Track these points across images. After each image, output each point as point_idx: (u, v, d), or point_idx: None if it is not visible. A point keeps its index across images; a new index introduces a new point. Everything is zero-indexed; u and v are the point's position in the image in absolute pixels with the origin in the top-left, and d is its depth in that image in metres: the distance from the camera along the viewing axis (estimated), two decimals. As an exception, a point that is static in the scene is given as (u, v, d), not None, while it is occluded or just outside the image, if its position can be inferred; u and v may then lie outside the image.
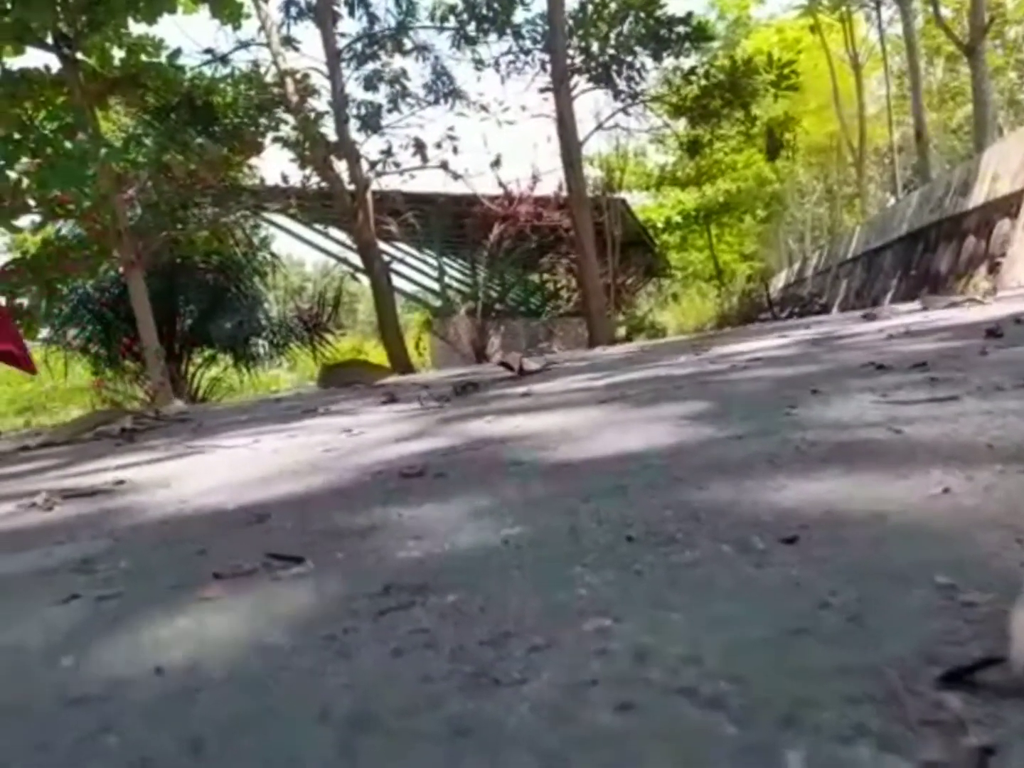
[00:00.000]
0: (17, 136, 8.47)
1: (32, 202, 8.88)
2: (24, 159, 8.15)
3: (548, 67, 10.65)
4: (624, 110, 11.49)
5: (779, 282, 22.04)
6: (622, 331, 14.46)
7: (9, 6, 7.86)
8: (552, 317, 14.10)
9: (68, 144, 7.82)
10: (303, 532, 1.03)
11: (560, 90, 10.31)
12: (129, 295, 9.40)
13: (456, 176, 11.41)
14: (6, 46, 8.48)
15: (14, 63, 8.80)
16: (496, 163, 11.92)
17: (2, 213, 8.93)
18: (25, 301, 9.91)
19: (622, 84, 11.41)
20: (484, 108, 11.30)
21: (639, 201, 21.10)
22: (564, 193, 11.45)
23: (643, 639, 0.60)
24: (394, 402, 2.57)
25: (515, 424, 1.66)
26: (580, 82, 11.03)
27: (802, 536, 0.77)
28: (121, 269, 9.79)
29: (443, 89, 10.93)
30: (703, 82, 11.42)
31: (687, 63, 11.99)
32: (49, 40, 8.27)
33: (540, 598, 0.71)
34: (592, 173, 14.83)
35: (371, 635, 0.68)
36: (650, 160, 20.54)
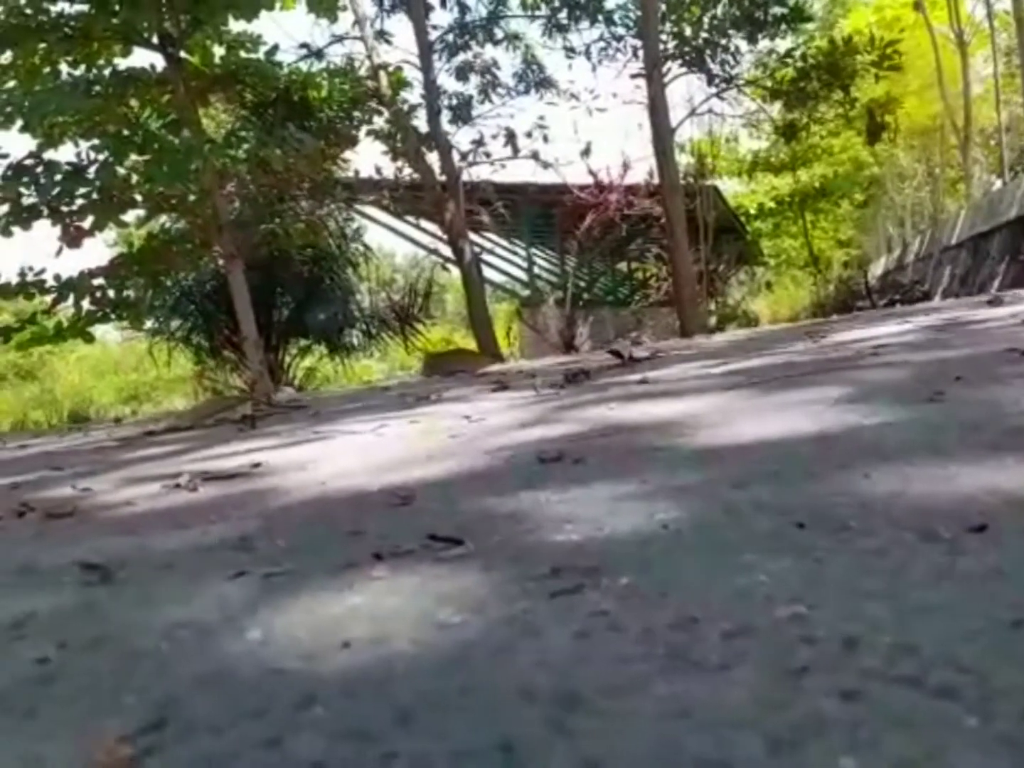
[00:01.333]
0: (125, 133, 8.79)
1: (139, 197, 9.22)
2: (132, 156, 8.44)
3: (640, 53, 10.53)
4: (718, 95, 11.28)
5: (877, 269, 21.37)
6: (712, 320, 14.23)
7: (117, 8, 8.16)
8: (641, 306, 13.96)
9: (173, 140, 8.07)
10: (452, 514, 1.04)
11: (652, 76, 10.17)
12: (229, 287, 9.67)
13: (546, 165, 11.38)
14: (114, 47, 8.81)
15: (121, 63, 9.14)
16: (586, 152, 11.84)
17: (111, 208, 9.28)
18: (131, 293, 10.30)
19: (716, 68, 11.20)
20: (574, 96, 11.24)
21: (731, 188, 20.71)
22: (655, 181, 11.32)
23: (846, 627, 0.58)
24: (505, 389, 2.58)
25: (642, 411, 1.64)
26: (673, 68, 10.88)
27: (991, 525, 0.74)
28: (222, 262, 10.08)
29: (534, 78, 10.91)
30: (800, 64, 11.13)
31: (783, 45, 11.70)
32: (154, 40, 8.55)
33: (719, 583, 0.70)
34: (683, 160, 14.61)
35: (550, 616, 0.68)
36: (742, 145, 20.14)
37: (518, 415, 1.85)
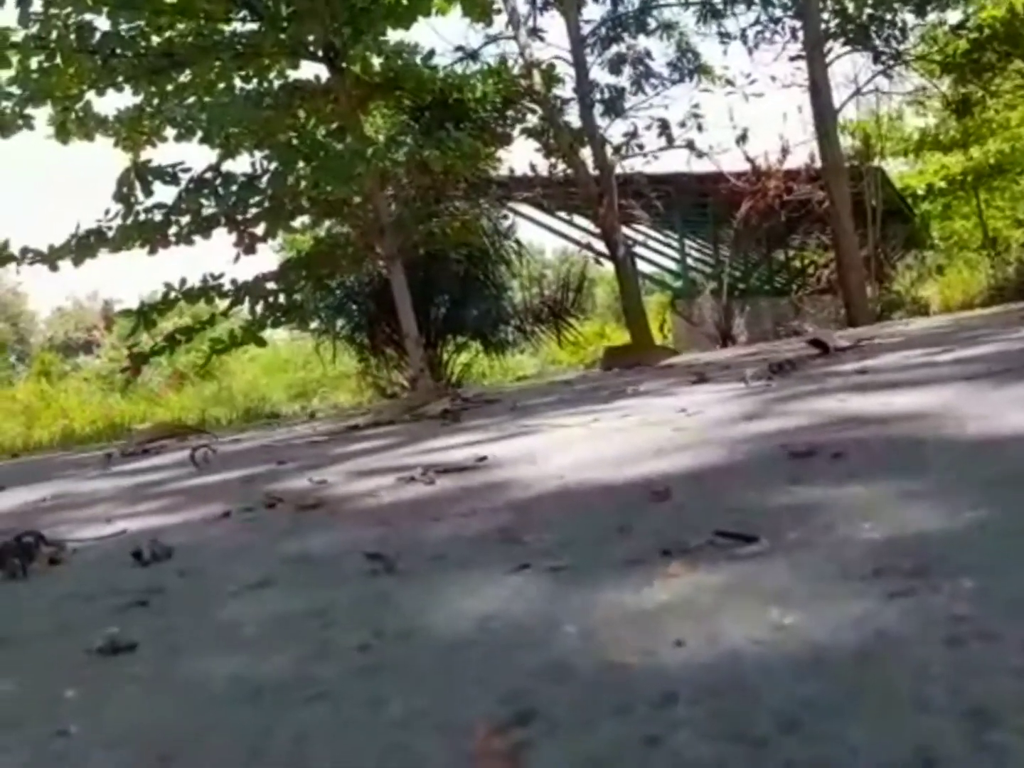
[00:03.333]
0: (294, 142, 9.19)
1: (306, 203, 9.62)
2: (300, 164, 8.81)
3: (800, 34, 10.17)
4: (884, 72, 10.76)
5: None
6: (877, 308, 13.57)
7: (285, 24, 8.53)
8: (801, 295, 13.48)
9: (338, 147, 8.38)
10: (722, 510, 1.01)
11: (813, 56, 9.81)
12: (390, 287, 9.95)
13: (701, 154, 11.17)
14: (282, 61, 9.23)
15: (289, 76, 9.56)
16: (742, 138, 11.55)
17: (281, 215, 9.73)
18: (299, 297, 10.76)
19: (881, 45, 10.68)
20: (730, 83, 10.99)
21: (895, 168, 19.68)
22: (817, 164, 10.90)
23: None
24: (706, 382, 2.53)
25: (881, 402, 1.56)
26: (835, 47, 10.44)
27: None
28: (382, 263, 10.40)
29: (688, 66, 10.73)
30: (974, 35, 10.46)
31: (952, 16, 11.04)
32: (319, 52, 8.90)
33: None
34: (846, 141, 14.00)
35: (902, 620, 0.64)
36: (907, 124, 19.10)
37: (737, 407, 1.80)
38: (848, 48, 10.46)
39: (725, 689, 0.57)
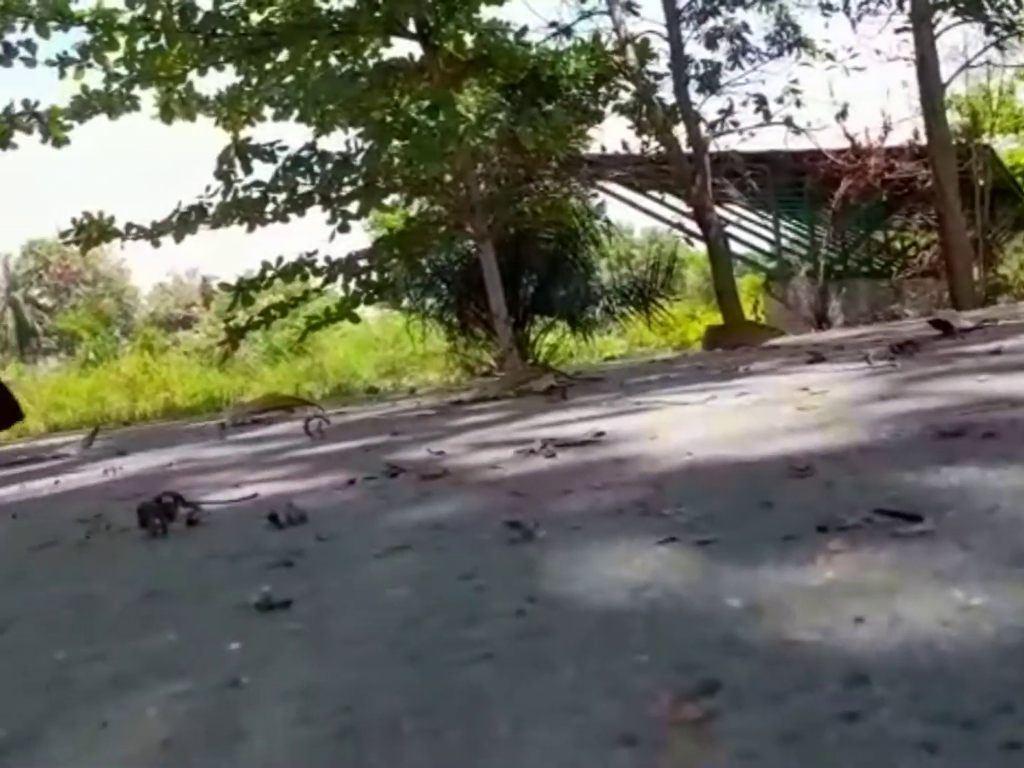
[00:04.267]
0: (388, 120, 9.27)
1: (399, 182, 9.71)
2: (394, 142, 8.88)
3: (907, 4, 9.77)
4: (996, 44, 10.27)
5: None
6: (981, 292, 13.02)
7: (380, 2, 8.59)
8: (901, 278, 13.03)
9: (431, 124, 8.40)
10: (873, 488, 0.98)
11: (920, 28, 9.42)
12: (479, 267, 9.99)
13: (798, 131, 10.87)
14: (377, 39, 9.31)
15: (383, 54, 9.64)
16: (842, 114, 11.18)
17: (374, 193, 9.85)
18: (391, 275, 10.89)
19: (994, 15, 10.19)
20: (830, 56, 10.64)
21: (1005, 146, 18.80)
22: (921, 141, 10.49)
23: None
24: (822, 361, 2.47)
25: (1025, 383, 1.50)
26: (943, 17, 10.00)
27: None
28: (473, 242, 10.43)
29: (787, 40, 10.42)
30: (1097, 2, 9.90)
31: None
32: (412, 30, 8.94)
33: None
34: (952, 118, 13.43)
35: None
36: (1019, 99, 18.22)
37: (866, 387, 1.74)
38: (958, 19, 10.01)
39: (921, 669, 0.55)
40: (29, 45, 7.88)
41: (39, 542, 1.36)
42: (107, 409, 12.45)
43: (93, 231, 8.85)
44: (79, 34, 7.92)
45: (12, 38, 7.74)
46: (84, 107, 8.53)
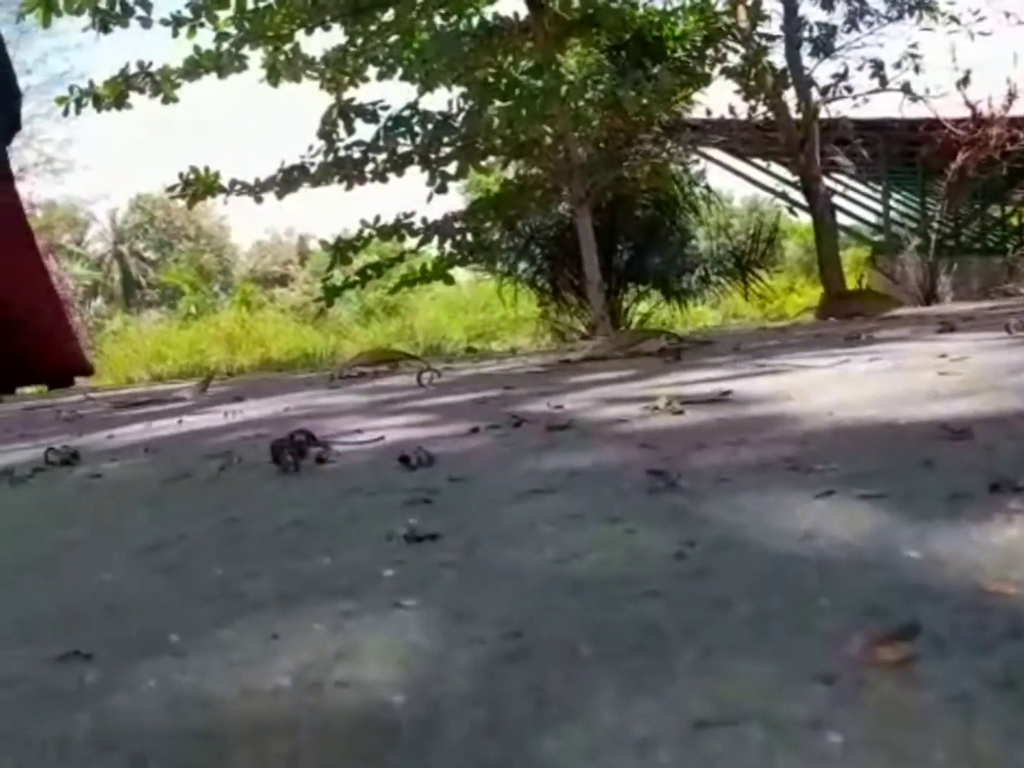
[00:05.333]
0: (490, 81, 9.22)
1: (498, 143, 9.67)
2: (496, 102, 8.83)
3: (1041, -37, 9.20)
4: None
5: None
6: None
7: (486, -41, 8.49)
8: (1018, 255, 12.42)
9: (535, 85, 8.32)
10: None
11: (1056, -11, 8.86)
12: (574, 231, 9.90)
13: (915, 98, 10.38)
14: (483, -2, 9.24)
15: (488, 12, 9.57)
16: (964, 81, 10.63)
17: (474, 155, 9.84)
18: (487, 237, 10.90)
19: None
20: (955, 19, 10.10)
21: None
22: (1050, 111, 9.92)
23: None
24: (953, 331, 2.37)
25: None
26: (1081, -23, 9.40)
27: None
28: (569, 206, 10.34)
29: (908, 2, 9.93)
30: None
31: None
32: (519, -12, 8.85)
33: None
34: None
35: None
36: None
37: (1010, 356, 1.66)
38: (1098, -21, 9.38)
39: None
40: (145, 4, 8.08)
41: (174, 474, 1.40)
42: (206, 361, 12.85)
43: (199, 186, 9.08)
44: (193, -8, 8.09)
45: (128, -2, 7.94)
46: (195, 67, 8.73)
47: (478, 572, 0.77)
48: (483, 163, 10.32)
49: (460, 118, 9.24)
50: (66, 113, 8.29)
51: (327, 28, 9.09)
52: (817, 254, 10.61)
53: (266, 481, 1.28)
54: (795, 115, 9.88)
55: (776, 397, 1.44)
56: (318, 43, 9.31)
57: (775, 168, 13.01)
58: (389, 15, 9.18)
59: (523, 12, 9.18)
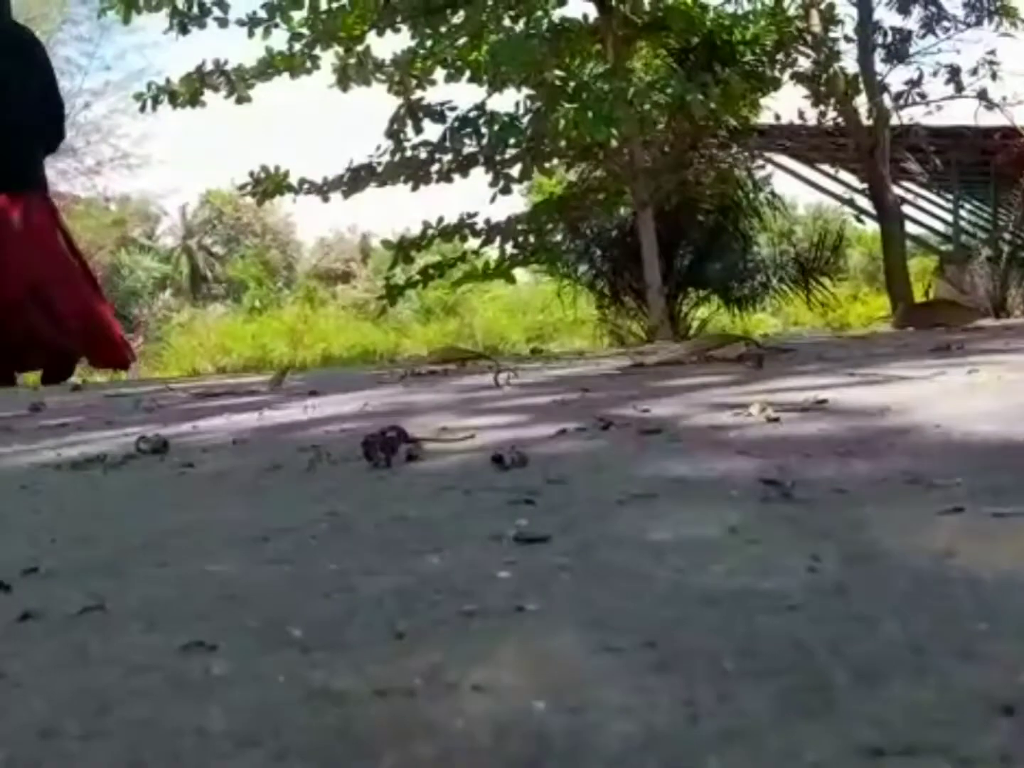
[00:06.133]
0: (557, 83, 9.21)
1: (563, 145, 9.65)
2: (564, 104, 8.80)
3: None
4: None
5: None
6: None
7: (560, -38, 8.45)
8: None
9: (603, 88, 8.27)
10: None
11: None
12: (635, 235, 9.83)
13: (991, 106, 10.13)
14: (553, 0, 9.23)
15: (556, 14, 9.55)
16: (1044, 88, 10.33)
17: (539, 157, 9.83)
18: (549, 239, 10.88)
19: None
20: (1036, 25, 9.83)
21: None
22: None
23: None
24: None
25: None
26: None
27: None
28: (632, 209, 10.27)
29: (988, 6, 9.69)
30: None
31: None
32: (589, -10, 8.82)
33: None
34: None
35: None
36: None
37: None
38: None
39: None
40: (222, 5, 8.24)
41: (266, 465, 1.41)
42: (269, 355, 13.06)
43: (269, 184, 9.23)
44: (268, -6, 8.22)
45: (206, -1, 8.11)
46: (268, 67, 8.88)
47: (597, 577, 0.75)
48: (547, 165, 10.31)
49: (526, 120, 9.25)
50: (143, 109, 8.49)
51: (397, 30, 9.16)
52: (884, 263, 10.42)
53: (359, 476, 1.28)
54: (866, 121, 9.71)
55: (875, 408, 1.39)
56: (387, 46, 9.40)
57: (843, 175, 12.77)
58: (459, 17, 9.22)
59: (592, 14, 9.16)
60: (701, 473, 1.08)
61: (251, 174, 9.04)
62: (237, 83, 8.73)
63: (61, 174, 20.71)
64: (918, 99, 9.81)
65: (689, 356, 2.54)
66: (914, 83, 9.63)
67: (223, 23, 8.16)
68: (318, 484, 1.27)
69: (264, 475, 1.36)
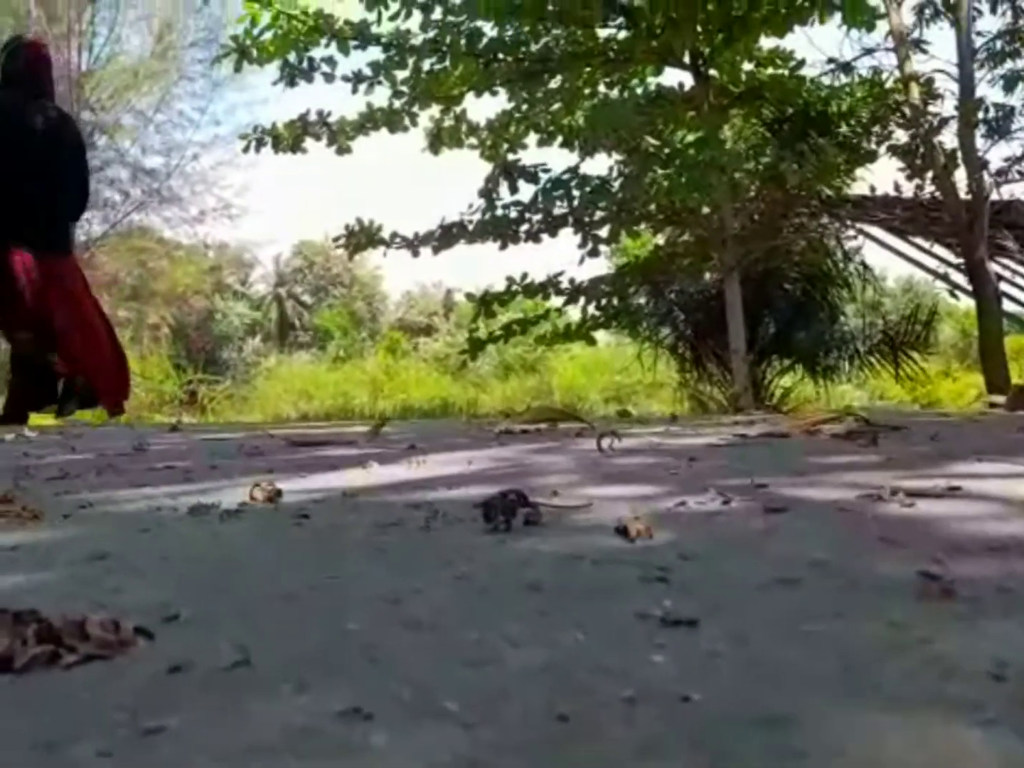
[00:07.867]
0: (651, 150, 9.29)
1: (652, 209, 9.70)
2: (657, 169, 8.86)
3: None
4: None
5: None
6: None
7: (659, 32, 8.59)
8: None
9: (696, 155, 8.30)
10: None
11: None
12: (720, 300, 9.75)
13: (1099, 183, 9.86)
14: (649, 67, 9.35)
15: (651, 83, 9.68)
16: None
17: (627, 220, 9.90)
18: (632, 302, 10.89)
19: None
20: None
21: None
22: None
23: None
24: None
25: None
26: None
27: None
28: (716, 275, 10.21)
29: (1096, 84, 9.48)
30: None
31: None
32: (686, 59, 8.91)
33: None
34: None
35: None
36: None
37: None
38: None
39: None
40: (330, 61, 8.57)
41: (381, 522, 1.41)
42: (350, 404, 13.26)
43: (361, 237, 9.47)
44: (374, 53, 8.52)
45: (316, 53, 8.45)
46: (368, 120, 9.18)
47: (759, 670, 0.72)
48: (636, 228, 10.36)
49: (617, 183, 9.33)
50: (246, 150, 8.82)
51: (494, 93, 9.37)
52: (979, 339, 10.13)
53: (478, 538, 1.27)
54: (963, 195, 9.54)
55: (1014, 499, 1.33)
56: (481, 110, 9.64)
57: (937, 248, 12.52)
58: (556, 81, 9.40)
59: (688, 82, 9.24)
60: (842, 559, 1.04)
61: (347, 227, 9.29)
62: (338, 135, 9.04)
63: (166, 221, 21.63)
64: (1018, 176, 9.60)
65: (793, 428, 2.48)
66: (1016, 160, 9.44)
67: (329, 78, 8.48)
68: (439, 544, 1.26)
69: (381, 532, 1.35)
